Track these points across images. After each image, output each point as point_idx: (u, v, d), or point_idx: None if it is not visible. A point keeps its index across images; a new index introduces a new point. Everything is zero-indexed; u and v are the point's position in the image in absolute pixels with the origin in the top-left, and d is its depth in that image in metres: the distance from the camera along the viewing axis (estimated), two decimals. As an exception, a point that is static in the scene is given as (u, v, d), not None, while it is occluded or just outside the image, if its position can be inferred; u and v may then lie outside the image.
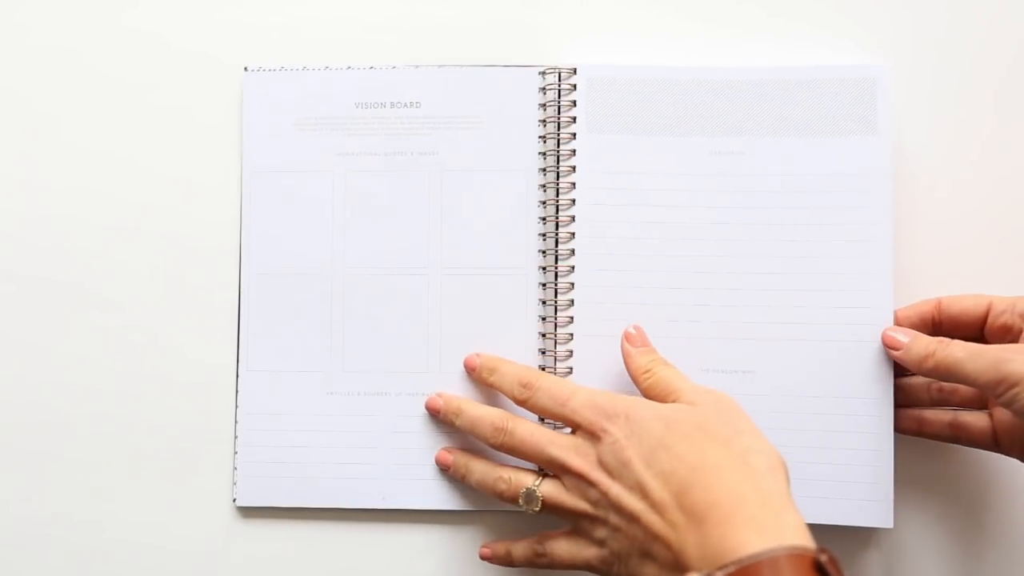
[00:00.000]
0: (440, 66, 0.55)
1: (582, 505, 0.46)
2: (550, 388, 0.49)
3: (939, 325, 0.51)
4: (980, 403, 0.51)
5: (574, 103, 0.54)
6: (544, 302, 0.54)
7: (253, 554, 0.55)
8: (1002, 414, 0.49)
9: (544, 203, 0.54)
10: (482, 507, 0.54)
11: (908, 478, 0.53)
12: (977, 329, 0.50)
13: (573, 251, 0.53)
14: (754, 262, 0.52)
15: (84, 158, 0.57)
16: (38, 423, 0.56)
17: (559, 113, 0.54)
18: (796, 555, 0.37)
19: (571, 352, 0.53)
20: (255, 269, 0.55)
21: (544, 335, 0.54)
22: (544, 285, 0.54)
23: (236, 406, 0.55)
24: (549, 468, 0.49)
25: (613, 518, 0.45)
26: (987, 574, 0.53)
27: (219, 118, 0.56)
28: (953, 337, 0.49)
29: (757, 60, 0.54)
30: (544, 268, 0.54)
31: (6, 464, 0.56)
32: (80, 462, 0.56)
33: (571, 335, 0.53)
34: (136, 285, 0.56)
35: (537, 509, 0.48)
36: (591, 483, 0.46)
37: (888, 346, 0.50)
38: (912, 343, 0.49)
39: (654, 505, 0.42)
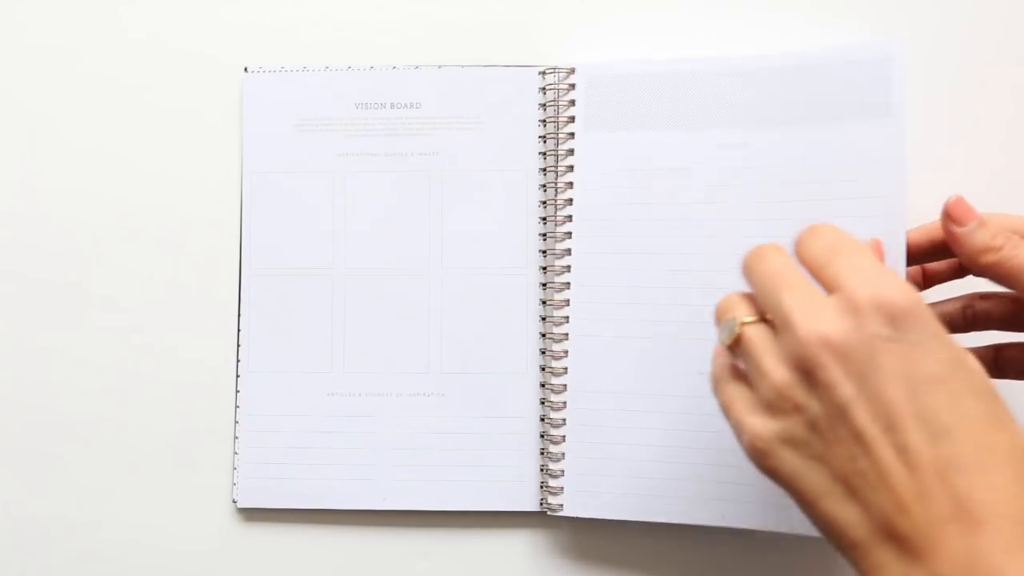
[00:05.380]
0: (440, 66, 0.55)
1: (779, 375, 0.34)
2: (830, 233, 0.37)
3: (949, 249, 0.45)
4: (1017, 325, 0.45)
5: (573, 102, 0.53)
6: (545, 302, 0.54)
7: (253, 555, 0.55)
8: None
9: (545, 203, 0.54)
10: (483, 508, 0.54)
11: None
12: None
13: (570, 250, 0.53)
14: None
15: (83, 159, 0.57)
16: (38, 423, 0.56)
17: (558, 113, 0.54)
18: None
19: (570, 352, 0.53)
20: (255, 270, 0.55)
21: (544, 335, 0.54)
22: (545, 285, 0.54)
23: (236, 407, 0.55)
24: (784, 312, 0.35)
25: (819, 414, 0.33)
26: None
27: (219, 119, 0.56)
28: (962, 265, 0.44)
29: (762, 46, 0.52)
30: (545, 268, 0.54)
31: (6, 464, 0.56)
32: (80, 463, 0.56)
33: (566, 334, 0.53)
34: (136, 286, 0.56)
35: (726, 341, 0.37)
36: (812, 363, 0.33)
37: (951, 218, 0.42)
38: (979, 226, 0.41)
39: (902, 449, 0.31)
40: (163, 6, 0.57)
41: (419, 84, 0.55)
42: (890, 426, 0.32)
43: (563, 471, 0.53)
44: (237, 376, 0.55)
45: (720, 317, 0.38)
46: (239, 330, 0.55)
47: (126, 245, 0.56)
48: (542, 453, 0.53)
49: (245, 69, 0.56)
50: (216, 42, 0.57)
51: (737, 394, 0.37)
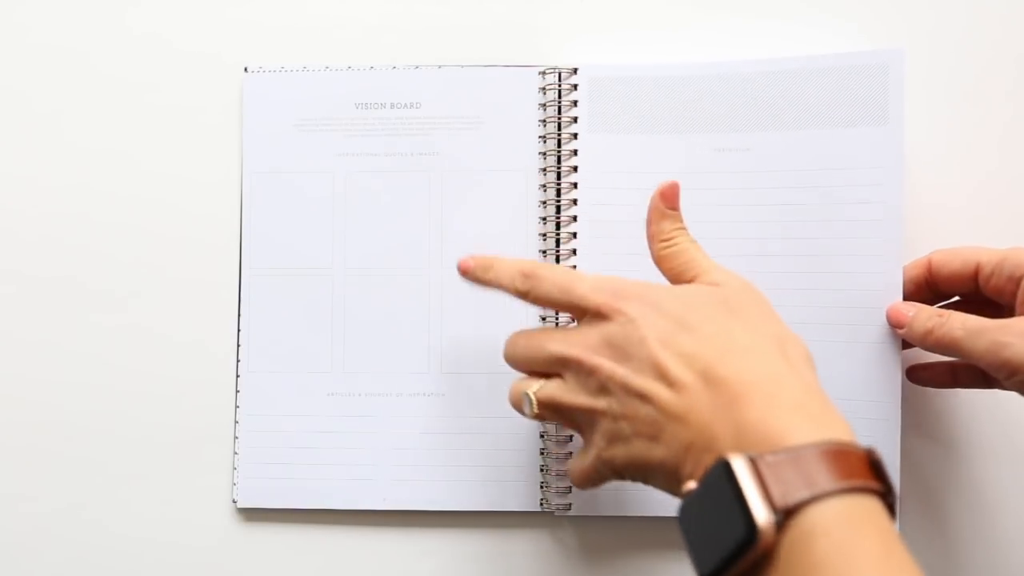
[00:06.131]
0: (440, 66, 0.55)
1: (580, 399, 0.42)
2: (554, 275, 0.44)
3: (935, 285, 0.50)
4: (989, 381, 0.50)
5: (575, 103, 0.54)
6: (545, 302, 0.54)
7: (253, 555, 0.55)
8: None
9: (545, 203, 0.54)
10: (484, 508, 0.54)
11: (913, 476, 0.53)
12: (973, 285, 0.49)
13: (574, 251, 0.53)
14: (760, 262, 0.52)
15: (85, 157, 0.57)
16: (39, 423, 0.56)
17: (560, 113, 0.54)
18: (852, 451, 0.34)
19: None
20: (255, 270, 0.55)
21: (545, 335, 0.54)
22: (544, 285, 0.54)
23: (236, 407, 0.55)
24: (556, 355, 0.43)
25: (617, 405, 0.40)
26: (992, 574, 0.53)
27: (219, 118, 0.56)
28: (953, 293, 0.50)
29: (762, 51, 0.53)
30: (544, 268, 0.54)
31: (7, 462, 0.56)
32: (80, 461, 0.56)
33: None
34: (137, 285, 0.56)
35: (534, 411, 0.44)
36: (590, 370, 0.41)
37: (893, 323, 0.49)
38: (914, 319, 0.48)
39: (672, 384, 0.38)
40: (164, 6, 0.57)
41: (419, 84, 0.55)
42: (660, 375, 0.39)
43: (570, 471, 0.53)
44: (237, 376, 0.55)
45: (516, 405, 0.45)
46: (239, 330, 0.55)
47: (126, 244, 0.56)
48: (542, 453, 0.54)
49: (245, 69, 0.56)
50: (217, 42, 0.57)
51: (577, 461, 0.44)
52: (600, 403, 0.41)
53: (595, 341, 0.41)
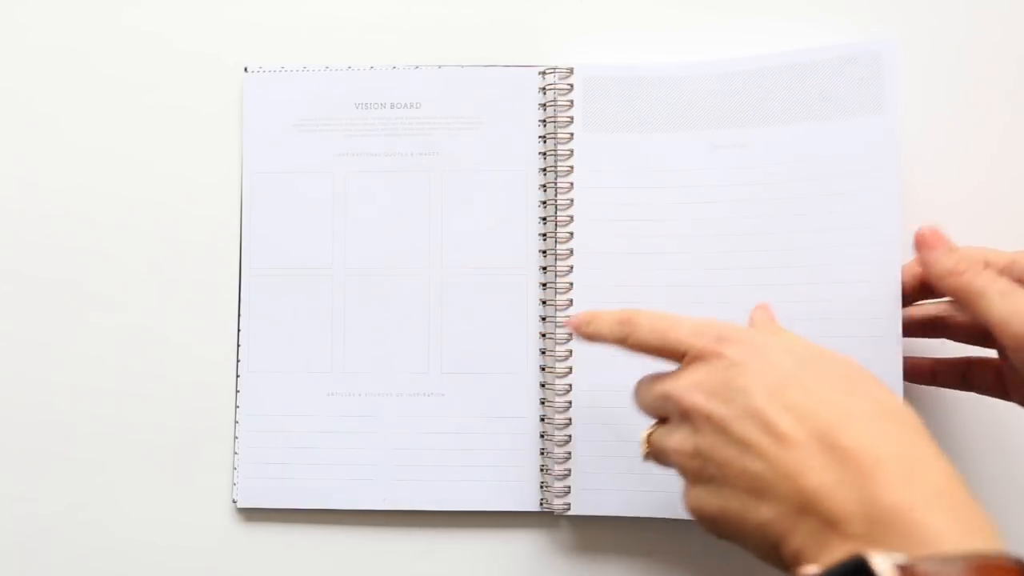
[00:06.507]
0: (440, 66, 0.55)
1: (685, 445, 0.39)
2: (651, 321, 0.42)
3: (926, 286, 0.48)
4: (971, 339, 0.49)
5: (572, 103, 0.54)
6: (544, 302, 0.54)
7: (253, 555, 0.55)
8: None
9: (544, 203, 0.54)
10: (484, 508, 0.54)
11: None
12: None
13: (571, 251, 0.53)
14: (757, 257, 0.51)
15: (85, 158, 0.57)
16: (38, 423, 0.56)
17: (557, 113, 0.54)
18: (1007, 567, 0.30)
19: (571, 352, 0.53)
20: (255, 270, 0.55)
21: (544, 335, 0.54)
22: (544, 285, 0.54)
23: (236, 407, 0.55)
24: (659, 393, 0.41)
25: (719, 452, 0.37)
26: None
27: (219, 118, 0.56)
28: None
29: (758, 47, 0.53)
30: (544, 268, 0.54)
31: (7, 462, 0.56)
32: (80, 462, 0.56)
33: (571, 335, 0.53)
34: (136, 285, 0.56)
35: (644, 453, 0.43)
36: (685, 410, 0.39)
37: (921, 244, 0.45)
38: (945, 253, 0.44)
39: (779, 438, 0.35)
40: (164, 6, 0.57)
41: (419, 84, 0.55)
42: (766, 427, 0.36)
43: (569, 471, 0.53)
44: (237, 376, 0.55)
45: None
46: (239, 330, 0.55)
47: (126, 244, 0.56)
48: (542, 453, 0.54)
49: (245, 69, 0.56)
50: (217, 42, 0.57)
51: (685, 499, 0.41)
52: (691, 443, 0.39)
53: (692, 382, 0.39)
